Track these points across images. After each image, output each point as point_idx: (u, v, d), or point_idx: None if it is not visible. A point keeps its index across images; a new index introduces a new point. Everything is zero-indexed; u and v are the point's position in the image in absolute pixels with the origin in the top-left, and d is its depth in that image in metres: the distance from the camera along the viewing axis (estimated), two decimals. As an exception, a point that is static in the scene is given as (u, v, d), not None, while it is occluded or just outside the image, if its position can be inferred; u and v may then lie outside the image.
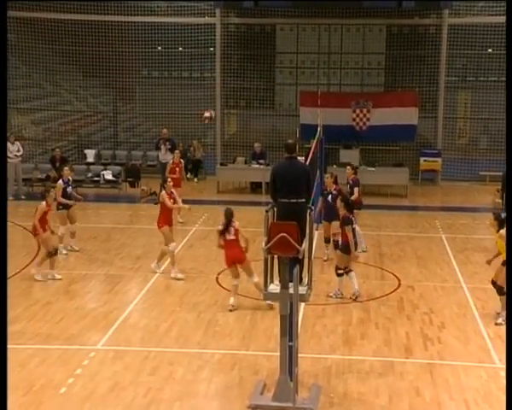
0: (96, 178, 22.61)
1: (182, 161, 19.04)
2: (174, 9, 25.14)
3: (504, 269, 10.91)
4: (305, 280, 8.69)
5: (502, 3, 23.68)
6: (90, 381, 9.32)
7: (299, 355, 8.87)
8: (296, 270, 8.26)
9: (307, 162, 10.54)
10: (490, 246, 16.75)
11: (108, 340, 10.72)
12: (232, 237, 11.83)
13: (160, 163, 22.15)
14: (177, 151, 19.58)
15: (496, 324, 11.38)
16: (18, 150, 21.16)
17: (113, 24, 24.75)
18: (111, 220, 18.95)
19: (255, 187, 22.67)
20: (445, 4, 23.76)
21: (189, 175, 24.57)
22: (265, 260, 8.56)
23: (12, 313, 11.21)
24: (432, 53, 24.41)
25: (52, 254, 13.36)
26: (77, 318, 11.56)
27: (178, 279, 13.50)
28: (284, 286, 8.34)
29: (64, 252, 15.12)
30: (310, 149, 15.16)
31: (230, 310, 11.91)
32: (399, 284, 13.59)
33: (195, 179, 24.51)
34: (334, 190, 14.53)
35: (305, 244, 8.31)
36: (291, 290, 8.32)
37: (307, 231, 8.51)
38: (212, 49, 25.20)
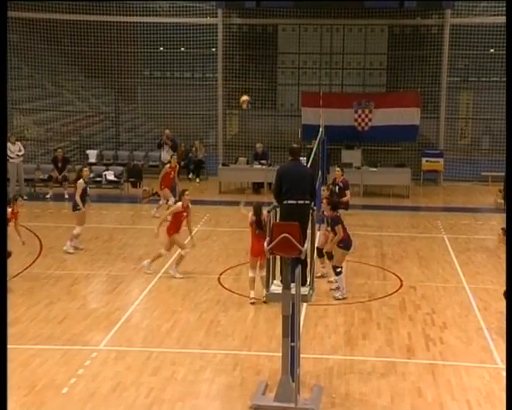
0: (97, 179, 22.61)
1: (177, 165, 19.23)
2: (176, 10, 25.15)
3: None
4: (308, 280, 8.70)
5: (504, 3, 23.65)
6: (92, 381, 9.33)
7: (301, 356, 8.87)
8: (298, 270, 8.26)
9: (309, 164, 10.58)
10: (492, 246, 16.79)
11: (110, 340, 10.72)
12: (262, 231, 11.85)
13: (163, 163, 22.14)
14: (174, 155, 19.66)
15: None
16: (19, 150, 21.16)
17: (115, 24, 24.77)
18: (113, 221, 18.96)
19: (257, 187, 22.66)
20: (447, 4, 23.74)
21: (190, 175, 24.59)
22: (267, 261, 8.57)
23: (14, 313, 11.23)
24: (434, 53, 24.39)
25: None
26: (79, 318, 11.57)
27: (176, 278, 13.55)
28: (286, 287, 8.34)
29: (71, 251, 15.17)
30: (311, 149, 15.25)
31: (252, 303, 12.03)
32: (401, 285, 13.58)
33: (197, 180, 24.50)
34: (341, 182, 15.15)
35: (307, 245, 8.31)
36: (293, 291, 8.32)
37: (309, 231, 8.52)
38: (214, 49, 25.20)
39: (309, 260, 8.64)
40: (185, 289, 13.12)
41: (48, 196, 21.42)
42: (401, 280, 13.84)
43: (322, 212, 13.31)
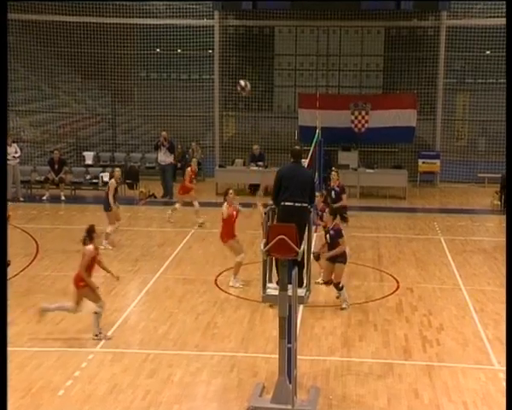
0: (94, 181, 22.60)
1: (196, 168, 19.24)
2: (172, 11, 25.16)
3: None
4: (305, 282, 8.70)
5: (500, 5, 23.73)
6: (89, 383, 9.31)
7: (298, 357, 8.86)
8: (295, 272, 8.26)
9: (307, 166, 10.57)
10: (488, 248, 16.82)
11: (107, 342, 10.70)
12: None
13: (159, 165, 22.15)
14: (194, 159, 19.77)
15: None
16: (16, 152, 21.15)
17: (112, 26, 24.75)
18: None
19: (254, 189, 22.63)
20: (444, 6, 23.77)
21: (187, 177, 24.61)
22: (264, 262, 8.57)
23: (10, 315, 11.18)
24: (430, 55, 24.42)
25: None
26: (75, 320, 11.52)
27: (236, 288, 13.16)
28: (283, 288, 8.34)
29: (102, 247, 15.04)
30: (309, 151, 15.23)
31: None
32: (398, 286, 13.59)
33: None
34: (337, 186, 15.15)
35: (304, 246, 8.31)
36: (290, 292, 8.32)
37: (306, 233, 8.52)
38: (210, 51, 25.21)
39: (305, 262, 8.64)
40: (182, 291, 13.11)
41: (44, 197, 21.39)
42: (398, 282, 13.85)
43: (319, 218, 13.19)
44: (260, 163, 22.53)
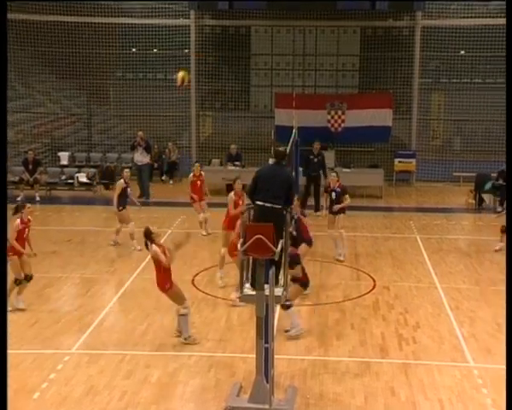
0: (70, 181, 22.44)
1: (203, 173, 17.51)
2: (148, 11, 25.06)
3: None
4: (281, 282, 8.71)
5: (474, 6, 24.01)
6: (65, 385, 9.24)
7: (276, 357, 8.88)
8: (271, 272, 8.27)
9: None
10: (464, 246, 16.99)
11: (83, 344, 10.63)
12: None
13: (136, 165, 22.05)
14: (197, 163, 18.14)
15: None
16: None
17: (87, 25, 24.61)
18: (86, 223, 18.81)
19: (230, 189, 22.53)
20: (418, 6, 23.95)
21: (164, 177, 24.54)
22: (241, 262, 8.56)
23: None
24: (405, 55, 24.60)
25: (20, 281, 11.76)
26: (51, 321, 11.45)
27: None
28: (260, 288, 8.34)
29: (138, 248, 15.05)
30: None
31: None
32: (375, 285, 13.67)
33: (171, 181, 24.44)
34: (338, 187, 15.08)
35: (280, 246, 8.31)
36: (267, 292, 8.32)
37: (284, 233, 8.52)
38: (186, 50, 25.16)
39: (282, 262, 8.64)
40: (159, 291, 13.02)
41: (19, 198, 21.10)
42: (374, 280, 13.93)
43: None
44: (237, 163, 22.52)
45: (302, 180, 19.68)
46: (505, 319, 9.16)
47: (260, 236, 8.07)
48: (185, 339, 10.50)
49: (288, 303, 10.50)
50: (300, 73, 25.93)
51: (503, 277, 14.27)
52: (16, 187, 21.61)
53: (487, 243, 16.93)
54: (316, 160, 20.39)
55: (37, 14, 24.31)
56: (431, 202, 22.08)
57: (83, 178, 22.68)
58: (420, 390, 9.25)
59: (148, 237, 10.50)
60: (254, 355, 8.62)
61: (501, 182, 20.92)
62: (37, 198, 20.82)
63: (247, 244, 8.16)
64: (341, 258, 15.17)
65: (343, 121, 23.21)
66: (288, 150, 14.90)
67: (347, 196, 15.25)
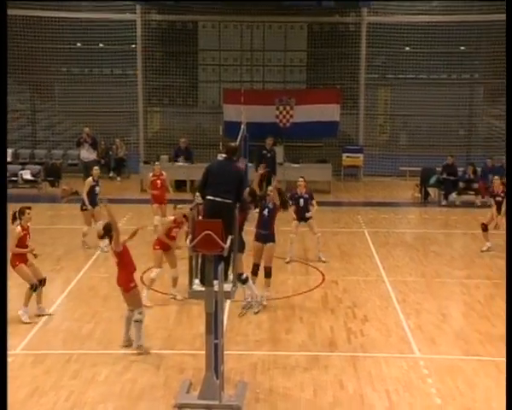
0: (13, 178, 21.95)
1: (164, 173, 17.03)
2: (94, 5, 24.68)
3: None
4: (231, 277, 8.69)
5: (418, 3, 24.40)
6: (9, 387, 9.01)
7: (225, 352, 8.86)
8: (221, 267, 8.24)
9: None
10: (410, 239, 17.26)
11: (28, 344, 10.42)
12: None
13: (82, 162, 21.73)
14: (157, 163, 17.90)
15: None
16: None
17: (31, 19, 24.08)
18: (31, 221, 18.37)
19: (180, 185, 22.43)
20: (364, 3, 24.21)
21: (111, 174, 24.23)
22: (190, 258, 8.51)
23: None
24: (352, 50, 24.84)
25: (35, 287, 11.51)
26: (-5, 322, 11.18)
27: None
28: (209, 284, 8.31)
29: (105, 250, 14.59)
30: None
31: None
32: (323, 279, 13.77)
33: (118, 178, 24.16)
34: (306, 193, 14.82)
35: (229, 242, 8.29)
36: (216, 288, 8.29)
37: (233, 228, 8.50)
38: (133, 45, 24.88)
39: (232, 258, 8.62)
40: (107, 289, 12.86)
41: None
42: (323, 275, 14.03)
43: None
44: (181, 159, 22.34)
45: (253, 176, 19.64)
46: (505, 319, 9.35)
47: (209, 232, 8.04)
48: (137, 348, 10.17)
49: (243, 277, 11.02)
50: (248, 68, 25.92)
51: (448, 269, 14.62)
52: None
53: (433, 236, 17.26)
54: (269, 155, 20.61)
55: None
56: (378, 197, 22.38)
57: (27, 175, 22.23)
58: (368, 382, 9.36)
59: (108, 233, 10.28)
60: (204, 352, 8.58)
61: (445, 176, 21.37)
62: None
63: (196, 240, 8.12)
64: (324, 258, 15.02)
65: (291, 117, 23.31)
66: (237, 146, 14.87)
67: (314, 201, 14.96)
